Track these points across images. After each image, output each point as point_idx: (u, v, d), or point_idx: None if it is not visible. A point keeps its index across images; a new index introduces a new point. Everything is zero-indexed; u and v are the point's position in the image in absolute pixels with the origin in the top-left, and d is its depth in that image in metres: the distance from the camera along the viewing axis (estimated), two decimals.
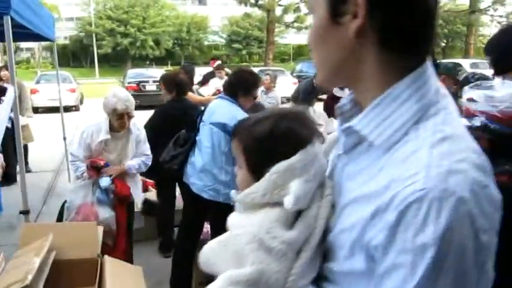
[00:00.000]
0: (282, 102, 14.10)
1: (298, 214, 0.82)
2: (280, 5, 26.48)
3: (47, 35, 5.33)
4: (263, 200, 0.83)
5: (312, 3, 0.75)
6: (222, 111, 3.10)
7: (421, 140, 0.65)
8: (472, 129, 2.22)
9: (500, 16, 30.15)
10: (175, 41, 40.67)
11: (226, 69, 8.60)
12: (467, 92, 2.33)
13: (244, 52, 39.17)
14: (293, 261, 0.79)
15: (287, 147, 0.84)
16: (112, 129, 3.37)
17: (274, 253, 0.78)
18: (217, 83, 7.51)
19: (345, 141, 0.77)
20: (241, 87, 3.14)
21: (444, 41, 39.70)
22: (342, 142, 0.78)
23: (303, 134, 0.85)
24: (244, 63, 35.77)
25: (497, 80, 2.43)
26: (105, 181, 3.30)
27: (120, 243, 3.35)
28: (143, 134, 3.54)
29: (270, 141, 0.86)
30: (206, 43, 42.81)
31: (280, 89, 14.74)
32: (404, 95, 0.68)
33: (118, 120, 3.31)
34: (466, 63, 17.78)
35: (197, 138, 3.22)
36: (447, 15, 35.24)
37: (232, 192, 0.91)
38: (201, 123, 3.22)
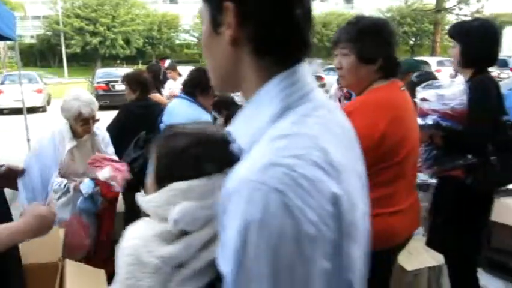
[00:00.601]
0: None
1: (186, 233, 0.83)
2: None
3: (7, 34, 5.19)
4: (158, 211, 0.84)
5: (201, 14, 0.79)
6: (180, 111, 3.07)
7: (267, 136, 0.67)
8: (425, 127, 2.28)
9: (465, 15, 31.00)
10: (146, 40, 40.15)
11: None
12: (420, 92, 2.40)
13: None
14: (171, 275, 0.79)
15: (192, 171, 0.83)
16: (74, 135, 3.06)
17: (148, 268, 0.78)
18: (171, 85, 6.81)
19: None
20: (198, 86, 3.11)
21: (413, 39, 40.50)
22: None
23: (212, 162, 0.84)
24: None
25: (447, 79, 2.50)
26: (87, 186, 2.87)
27: (102, 252, 3.08)
28: (107, 136, 3.31)
29: (178, 160, 0.86)
30: (177, 42, 42.42)
31: None
32: (269, 95, 0.72)
33: (83, 126, 3.01)
34: (432, 61, 18.14)
35: None
36: (414, 14, 36.04)
37: (138, 194, 0.91)
38: (161, 124, 3.17)
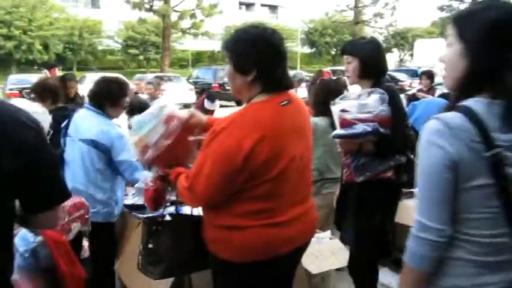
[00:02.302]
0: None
1: None
2: (176, 11, 26.27)
3: None
4: None
5: None
6: (89, 125, 2.91)
7: None
8: (362, 135, 2.37)
9: (380, 28, 33.16)
10: (66, 45, 38.35)
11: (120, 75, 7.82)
12: (339, 104, 2.51)
13: (141, 58, 38.09)
14: None
15: None
16: None
17: None
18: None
19: None
20: (108, 97, 2.97)
21: (334, 50, 42.17)
22: None
23: None
24: (141, 69, 34.87)
25: (356, 91, 2.64)
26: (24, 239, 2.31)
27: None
28: None
29: None
30: (100, 48, 40.92)
31: (175, 95, 14.54)
32: None
33: None
34: None
35: (65, 156, 2.99)
36: (335, 25, 37.64)
37: None
38: (67, 138, 2.99)
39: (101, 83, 3.12)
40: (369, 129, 2.35)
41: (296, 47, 40.08)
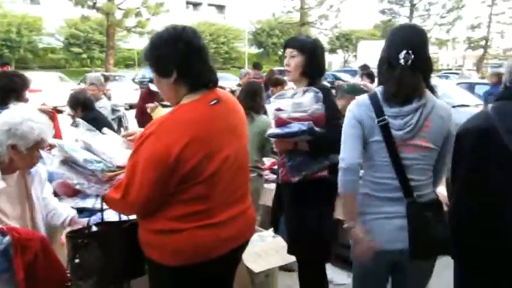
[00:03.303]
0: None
1: None
2: (120, 9, 25.62)
3: None
4: None
5: None
6: None
7: None
8: (298, 134, 2.37)
9: (326, 29, 34.04)
10: (3, 43, 36.46)
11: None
12: (273, 103, 2.52)
13: (84, 56, 36.82)
14: None
15: None
16: (3, 170, 2.10)
17: None
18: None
19: None
20: (12, 91, 2.89)
21: (281, 50, 42.66)
22: None
23: None
24: (84, 68, 33.76)
25: (296, 89, 2.67)
26: None
27: None
28: (44, 172, 2.42)
29: None
30: (41, 46, 39.17)
31: (120, 95, 14.17)
32: None
33: (36, 158, 2.17)
34: None
35: None
36: (281, 26, 38.13)
37: None
38: None
39: (1, 78, 3.01)
40: (305, 128, 2.36)
41: (244, 47, 40.19)
